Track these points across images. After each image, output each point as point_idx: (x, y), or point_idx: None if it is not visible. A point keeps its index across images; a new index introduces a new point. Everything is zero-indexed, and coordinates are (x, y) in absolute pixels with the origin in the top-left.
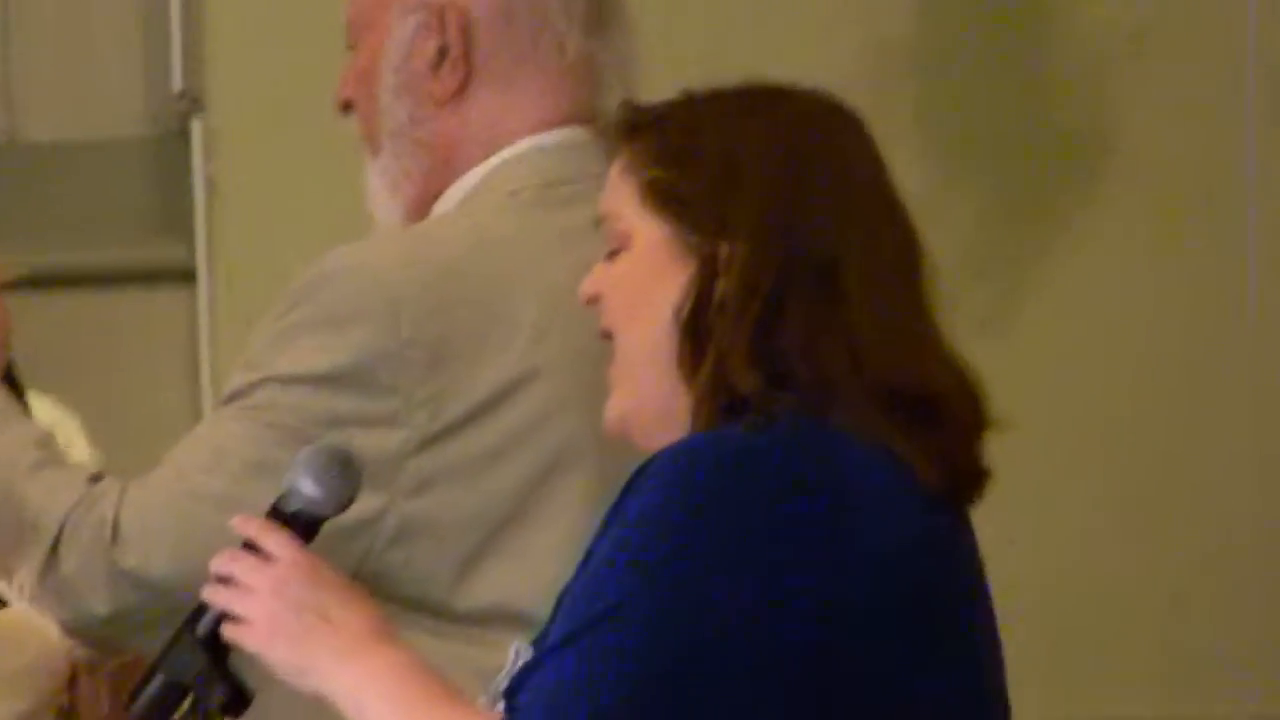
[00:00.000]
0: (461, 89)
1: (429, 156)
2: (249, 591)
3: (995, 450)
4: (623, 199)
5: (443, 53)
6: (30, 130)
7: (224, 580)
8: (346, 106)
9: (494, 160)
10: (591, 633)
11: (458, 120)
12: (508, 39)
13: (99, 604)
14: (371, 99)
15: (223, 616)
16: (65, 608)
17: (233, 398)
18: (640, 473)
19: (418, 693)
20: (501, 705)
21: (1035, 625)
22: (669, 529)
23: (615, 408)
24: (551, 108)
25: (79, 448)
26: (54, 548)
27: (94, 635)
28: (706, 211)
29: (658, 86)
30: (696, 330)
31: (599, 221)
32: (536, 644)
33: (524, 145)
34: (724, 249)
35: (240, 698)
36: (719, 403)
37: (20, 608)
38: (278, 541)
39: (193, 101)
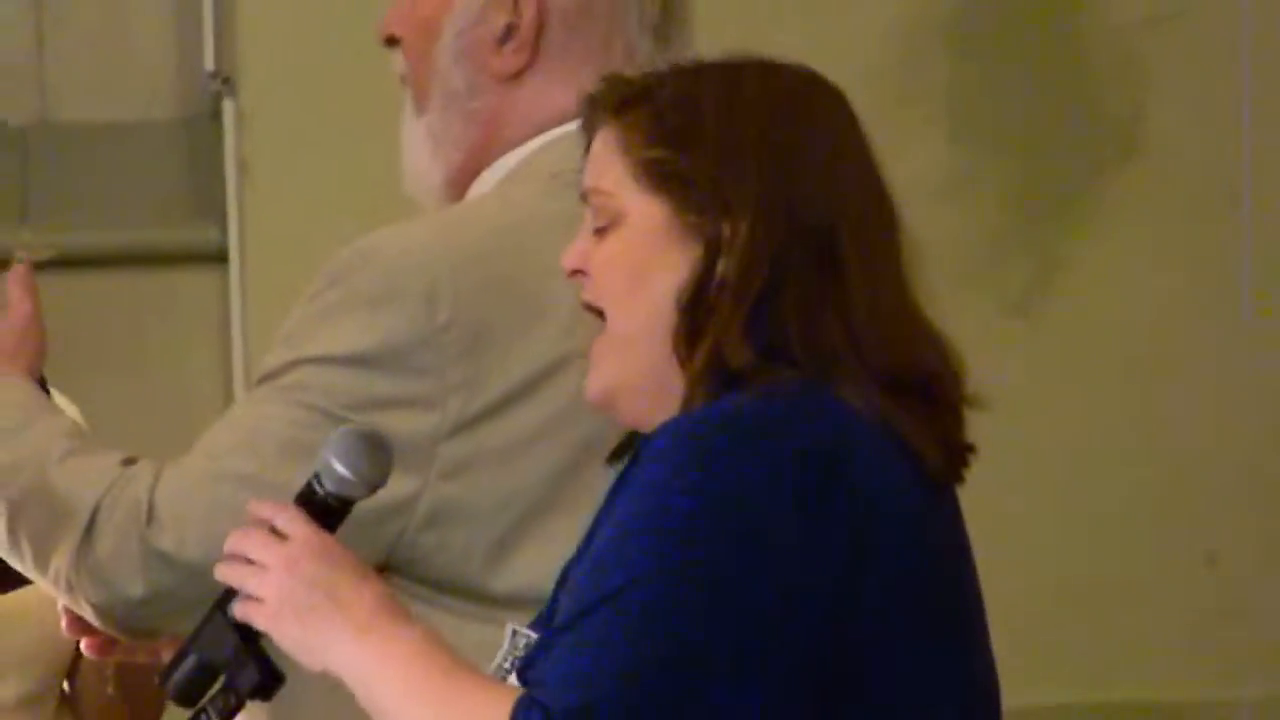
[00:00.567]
0: (520, 72)
1: (479, 130)
2: (261, 569)
3: (1019, 429)
4: (614, 176)
5: (510, 30)
6: (63, 111)
7: (237, 558)
8: (390, 41)
9: (535, 142)
10: (610, 603)
11: (509, 100)
12: (581, 35)
13: (134, 586)
14: (427, 55)
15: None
16: (100, 590)
17: (267, 378)
18: (647, 446)
19: (427, 670)
20: (513, 680)
21: (1070, 597)
22: (682, 505)
23: (600, 380)
24: None
25: None
26: (88, 530)
27: (129, 618)
28: (708, 192)
29: None
30: (697, 310)
31: (584, 196)
32: (538, 625)
33: (567, 128)
34: (726, 228)
35: (272, 679)
36: (714, 381)
37: (21, 593)
38: (290, 519)
39: (225, 82)
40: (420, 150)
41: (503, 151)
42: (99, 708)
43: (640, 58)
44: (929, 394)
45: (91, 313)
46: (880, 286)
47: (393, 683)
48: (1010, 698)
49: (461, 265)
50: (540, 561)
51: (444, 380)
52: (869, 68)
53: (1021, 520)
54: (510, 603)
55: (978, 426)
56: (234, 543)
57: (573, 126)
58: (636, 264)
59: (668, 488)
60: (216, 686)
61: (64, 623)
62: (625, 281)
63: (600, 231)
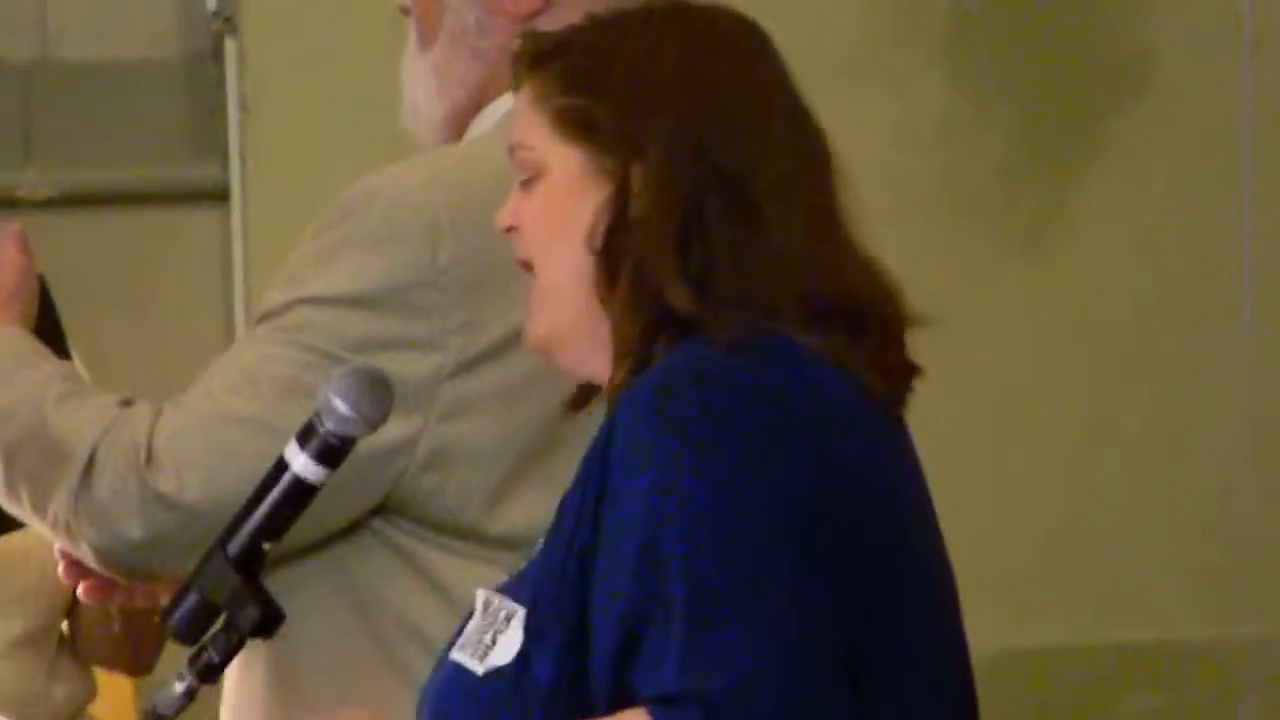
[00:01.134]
0: (538, 12)
1: (484, 69)
2: None
3: (1023, 367)
4: (533, 128)
5: None
6: (64, 49)
7: None
8: None
9: None
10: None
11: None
12: None
13: (134, 528)
14: None
15: (257, 536)
16: (100, 532)
17: (266, 317)
18: (618, 415)
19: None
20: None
21: (1077, 533)
22: (697, 486)
23: (535, 330)
24: None
25: None
26: (87, 472)
27: (129, 560)
28: (618, 135)
29: None
30: (610, 251)
31: (510, 151)
32: (510, 586)
33: None
34: (636, 170)
35: (272, 617)
36: (641, 321)
37: (20, 534)
38: None
39: (226, 21)
40: (422, 85)
41: (504, 90)
42: (103, 643)
43: None
44: (861, 322)
45: (93, 250)
46: (804, 219)
47: None
48: (1009, 638)
49: (463, 207)
50: (539, 503)
51: (445, 321)
52: (870, 8)
53: (1025, 458)
54: (511, 544)
55: (983, 363)
56: None
57: None
58: (558, 214)
59: (677, 464)
60: (218, 625)
61: (61, 568)
62: (548, 233)
63: (526, 185)
